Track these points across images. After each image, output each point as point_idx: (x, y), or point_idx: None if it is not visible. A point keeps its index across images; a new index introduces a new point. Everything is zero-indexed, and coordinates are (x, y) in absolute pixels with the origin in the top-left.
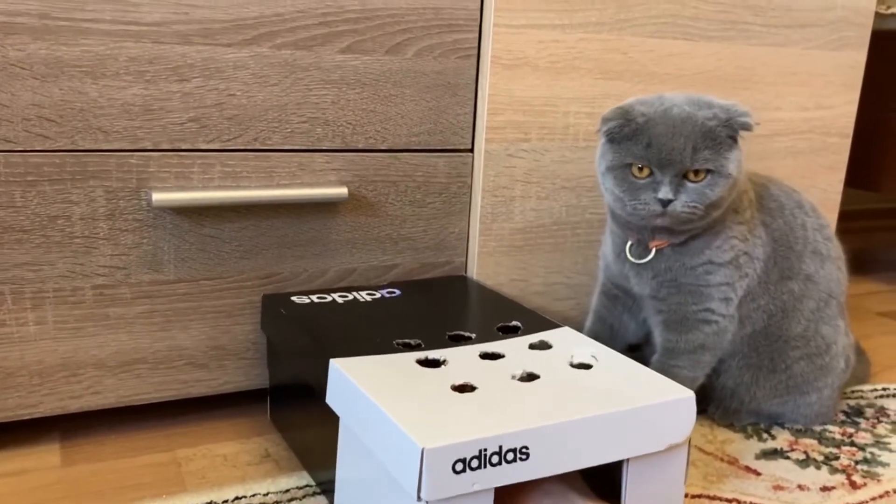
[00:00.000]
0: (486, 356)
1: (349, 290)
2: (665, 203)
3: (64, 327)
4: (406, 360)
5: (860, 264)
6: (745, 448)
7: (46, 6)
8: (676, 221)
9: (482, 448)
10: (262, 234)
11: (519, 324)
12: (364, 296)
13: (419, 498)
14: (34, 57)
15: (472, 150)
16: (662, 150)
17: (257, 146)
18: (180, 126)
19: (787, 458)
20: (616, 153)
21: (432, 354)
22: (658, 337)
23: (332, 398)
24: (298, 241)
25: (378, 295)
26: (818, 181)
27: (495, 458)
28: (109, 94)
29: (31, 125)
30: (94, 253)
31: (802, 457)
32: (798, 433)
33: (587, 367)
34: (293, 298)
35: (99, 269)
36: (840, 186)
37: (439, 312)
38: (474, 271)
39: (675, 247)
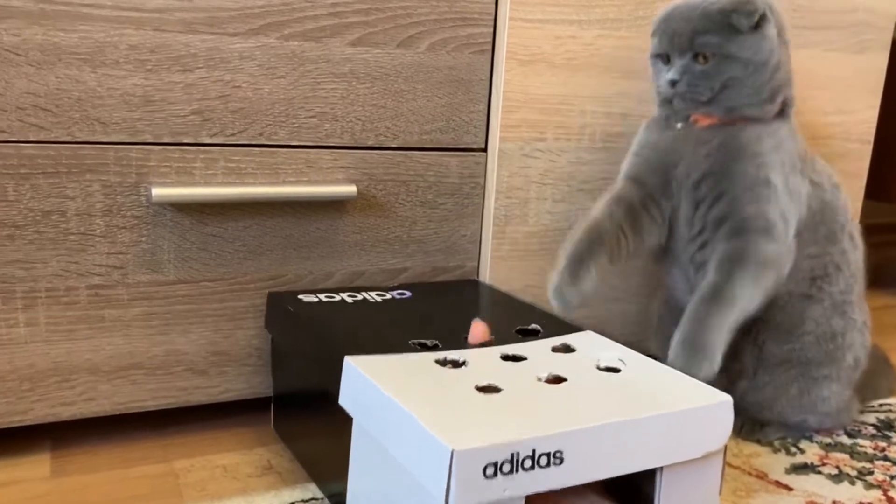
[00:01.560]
0: (507, 358)
1: (358, 290)
2: (673, 83)
3: (57, 329)
4: (425, 360)
5: (878, 278)
6: (774, 462)
7: None
8: (691, 103)
9: (514, 452)
10: (266, 233)
11: (538, 327)
12: (374, 296)
13: (447, 503)
14: (30, 42)
15: (485, 150)
16: (670, 37)
17: (263, 141)
18: (182, 119)
19: (819, 472)
20: (651, 47)
21: (451, 355)
22: (718, 246)
23: (346, 398)
24: (304, 241)
25: (389, 296)
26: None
27: (528, 463)
28: (109, 83)
29: (25, 114)
30: (89, 251)
31: (835, 472)
32: (828, 447)
33: (615, 370)
34: (301, 297)
35: (94, 268)
36: (861, 194)
37: (454, 314)
38: (487, 276)
39: (725, 126)
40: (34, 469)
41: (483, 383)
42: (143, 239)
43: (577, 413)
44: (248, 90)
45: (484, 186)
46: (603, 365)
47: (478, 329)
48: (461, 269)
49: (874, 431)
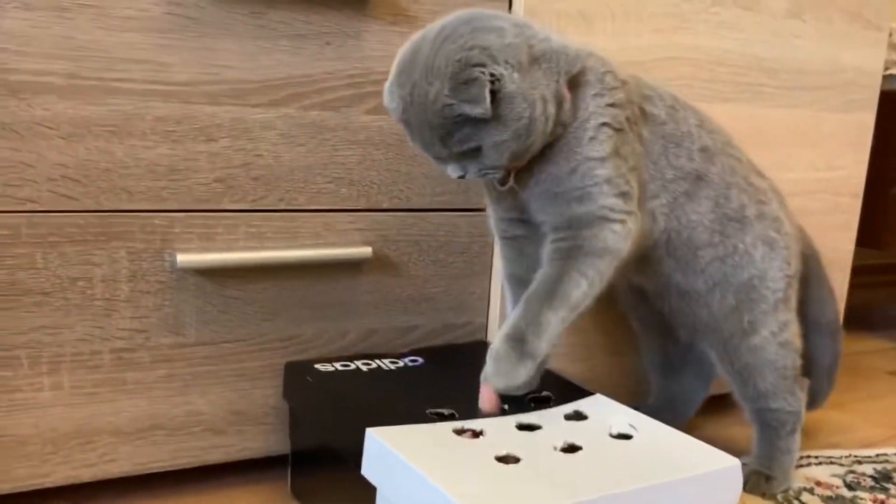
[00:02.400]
0: (522, 427)
1: (371, 357)
2: (461, 177)
3: (80, 392)
4: (443, 431)
5: (865, 320)
6: None
7: (75, 66)
8: (495, 178)
9: None
10: (284, 295)
11: (550, 394)
12: (388, 364)
13: None
14: (61, 117)
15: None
16: (423, 144)
17: (283, 206)
18: (206, 186)
19: None
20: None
21: (468, 424)
22: (549, 244)
23: (369, 469)
24: (321, 302)
25: (401, 363)
26: (829, 241)
27: None
28: (136, 153)
29: (55, 185)
30: (114, 315)
31: None
32: (829, 500)
33: (627, 437)
34: (317, 366)
35: (118, 332)
36: (851, 246)
37: (467, 381)
38: (495, 332)
39: (532, 163)
40: None
41: (502, 453)
42: (167, 303)
43: (593, 482)
44: (270, 158)
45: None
46: (615, 432)
47: (486, 394)
48: (470, 326)
49: (872, 483)
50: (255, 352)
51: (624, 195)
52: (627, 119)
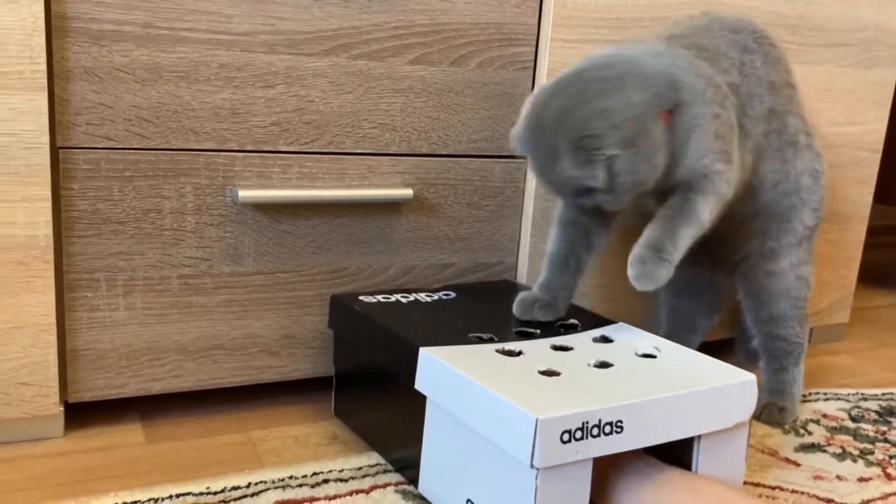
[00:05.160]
0: (556, 348)
1: (409, 291)
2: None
3: (151, 313)
4: (486, 350)
5: (884, 277)
6: (784, 442)
7: (150, 16)
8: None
9: (585, 420)
10: (333, 231)
11: (576, 321)
12: (424, 297)
13: (531, 465)
14: (137, 62)
15: (525, 157)
16: (545, 184)
17: (332, 149)
18: (263, 129)
19: (825, 451)
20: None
21: (508, 346)
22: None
23: (422, 383)
24: (365, 238)
25: (436, 297)
26: (848, 194)
27: (595, 431)
28: (201, 97)
29: (130, 125)
30: (181, 245)
31: (839, 451)
32: (833, 430)
33: (652, 356)
34: (361, 297)
35: (185, 259)
36: (869, 199)
37: (500, 312)
38: (525, 272)
39: None
40: (129, 436)
41: (543, 368)
42: (228, 235)
43: (631, 390)
44: (321, 104)
45: (523, 190)
46: (640, 352)
47: None
48: (501, 265)
49: (876, 417)
50: (306, 282)
51: (729, 158)
52: (720, 105)
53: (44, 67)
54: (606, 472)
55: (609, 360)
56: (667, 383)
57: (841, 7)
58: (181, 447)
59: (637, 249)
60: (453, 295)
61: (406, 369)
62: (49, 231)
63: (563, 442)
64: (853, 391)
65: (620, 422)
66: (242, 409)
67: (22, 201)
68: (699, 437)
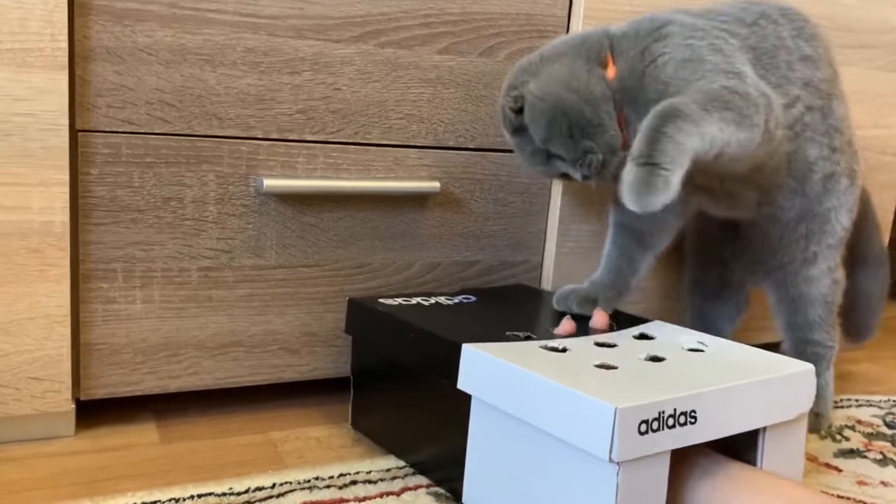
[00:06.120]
0: (600, 345)
1: (429, 295)
2: (585, 177)
3: (169, 307)
4: (531, 347)
5: None
6: (822, 448)
7: None
8: (602, 158)
9: (661, 410)
10: (357, 224)
11: (612, 322)
12: (444, 300)
13: (610, 459)
14: (160, 43)
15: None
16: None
17: (358, 140)
18: (289, 117)
19: (865, 457)
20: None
21: (551, 343)
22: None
23: (467, 381)
24: (390, 233)
25: (457, 300)
26: (872, 198)
27: (671, 422)
28: (226, 82)
29: (153, 108)
30: (202, 235)
31: (879, 457)
32: (870, 436)
33: (700, 350)
34: (382, 300)
35: (206, 251)
36: (894, 205)
37: (527, 312)
38: (550, 271)
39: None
40: (143, 436)
41: (597, 362)
42: (250, 226)
43: (698, 380)
44: (348, 92)
45: (550, 186)
46: (687, 347)
47: (598, 316)
48: (527, 264)
49: None
50: (329, 276)
51: (738, 74)
52: (693, 38)
53: (65, 45)
54: (674, 467)
55: (659, 355)
56: (730, 374)
57: (868, 7)
58: (198, 447)
59: (624, 170)
60: (473, 298)
61: (444, 369)
62: (66, 217)
63: (641, 433)
64: (884, 398)
65: (694, 412)
66: (261, 409)
67: (38, 185)
68: (764, 429)
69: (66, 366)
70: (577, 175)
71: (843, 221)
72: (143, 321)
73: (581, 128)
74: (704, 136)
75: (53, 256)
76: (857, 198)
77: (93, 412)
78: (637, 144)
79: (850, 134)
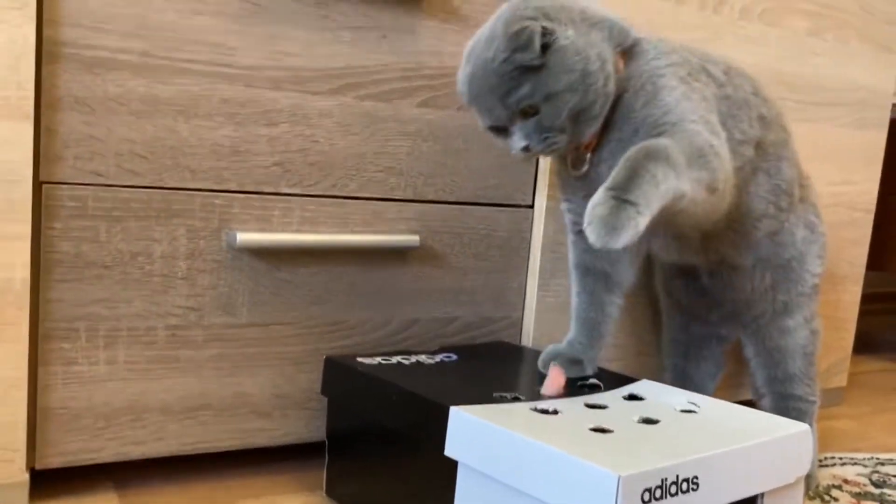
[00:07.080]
0: (591, 406)
1: (409, 353)
2: (526, 149)
3: (134, 368)
4: (522, 409)
5: (870, 344)
6: None
7: (149, 45)
8: (555, 149)
9: (664, 477)
10: (333, 280)
11: (597, 381)
12: (425, 359)
13: None
14: (132, 93)
15: (532, 206)
16: (487, 110)
17: (335, 192)
18: (265, 169)
19: None
20: (478, 121)
21: (541, 405)
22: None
23: (455, 447)
24: (367, 288)
25: (438, 359)
26: (844, 255)
27: (673, 489)
28: (200, 133)
29: (122, 160)
30: (170, 292)
31: None
32: (859, 496)
33: (692, 411)
34: (360, 359)
35: (174, 309)
36: (864, 260)
37: (512, 371)
38: (531, 328)
39: (600, 139)
40: None
41: (591, 426)
42: (221, 282)
43: (696, 444)
44: (326, 145)
45: (530, 241)
46: (679, 408)
47: (554, 375)
48: (507, 320)
49: None
50: (302, 335)
51: (708, 124)
52: (689, 74)
53: (32, 94)
54: None
55: (653, 417)
56: (728, 437)
57: (837, 68)
58: None
59: (594, 196)
60: (455, 357)
61: (430, 433)
62: (26, 274)
63: (644, 502)
64: (867, 455)
65: (696, 478)
66: (230, 477)
67: None
68: (762, 495)
69: (22, 433)
70: (523, 142)
71: (811, 269)
72: (106, 384)
73: (581, 110)
74: (678, 190)
75: (11, 315)
76: (823, 245)
77: (49, 482)
78: (616, 175)
79: (805, 191)
